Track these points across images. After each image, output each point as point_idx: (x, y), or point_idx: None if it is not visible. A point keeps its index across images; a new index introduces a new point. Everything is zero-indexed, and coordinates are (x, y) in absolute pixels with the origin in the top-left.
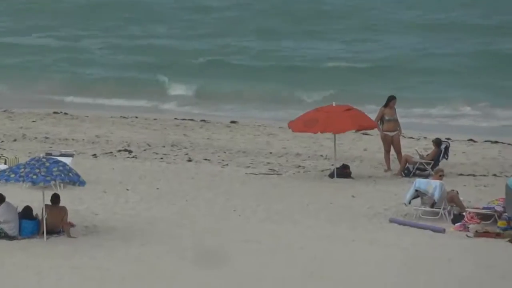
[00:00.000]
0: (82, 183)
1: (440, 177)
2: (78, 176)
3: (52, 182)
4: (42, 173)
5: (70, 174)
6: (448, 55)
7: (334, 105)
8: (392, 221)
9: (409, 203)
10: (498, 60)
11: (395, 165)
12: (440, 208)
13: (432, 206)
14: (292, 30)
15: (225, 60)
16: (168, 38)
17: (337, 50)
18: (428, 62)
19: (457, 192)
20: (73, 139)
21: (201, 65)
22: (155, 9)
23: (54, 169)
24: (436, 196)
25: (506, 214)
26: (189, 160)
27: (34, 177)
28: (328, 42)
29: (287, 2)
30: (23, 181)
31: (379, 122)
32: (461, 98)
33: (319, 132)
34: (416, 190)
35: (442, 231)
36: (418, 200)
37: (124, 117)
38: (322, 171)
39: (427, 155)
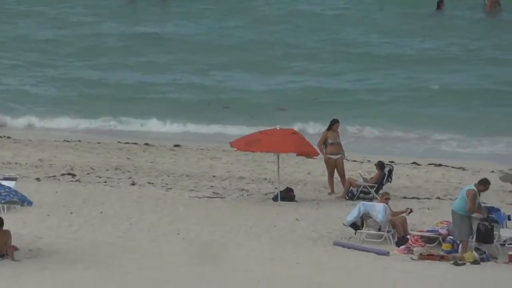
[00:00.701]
0: (30, 202)
1: (386, 200)
2: (25, 197)
3: None
4: None
5: (18, 194)
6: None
7: (278, 128)
8: (336, 244)
9: (352, 226)
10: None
11: (339, 188)
12: (384, 231)
13: (378, 229)
14: None
15: None
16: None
17: None
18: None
19: (410, 211)
20: (16, 163)
21: None
22: None
23: (1, 191)
24: (380, 219)
25: (450, 237)
26: (133, 184)
27: None
28: None
29: None
30: None
31: (322, 145)
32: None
33: (259, 152)
34: (360, 214)
35: (386, 253)
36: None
37: (67, 141)
38: (266, 194)
39: (371, 178)
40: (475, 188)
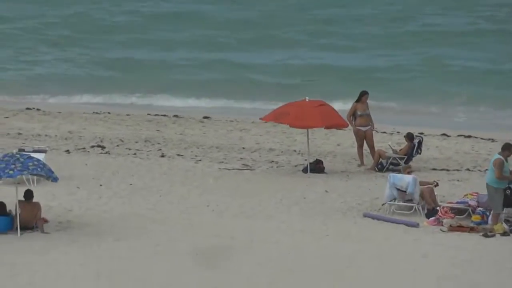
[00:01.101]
0: (55, 179)
1: (409, 173)
2: (52, 171)
3: (26, 177)
4: (18, 168)
5: (45, 168)
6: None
7: (307, 100)
8: (366, 215)
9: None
10: None
11: (369, 160)
12: (414, 203)
13: (409, 201)
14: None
15: None
16: None
17: None
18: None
19: (436, 185)
20: (46, 135)
21: None
22: None
23: (29, 164)
24: (410, 191)
25: (480, 208)
26: (162, 156)
27: (11, 172)
28: None
29: None
30: (0, 177)
31: (352, 117)
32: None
33: (287, 125)
34: (393, 187)
35: (416, 225)
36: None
37: (97, 113)
38: (296, 166)
39: (400, 149)
40: (500, 157)
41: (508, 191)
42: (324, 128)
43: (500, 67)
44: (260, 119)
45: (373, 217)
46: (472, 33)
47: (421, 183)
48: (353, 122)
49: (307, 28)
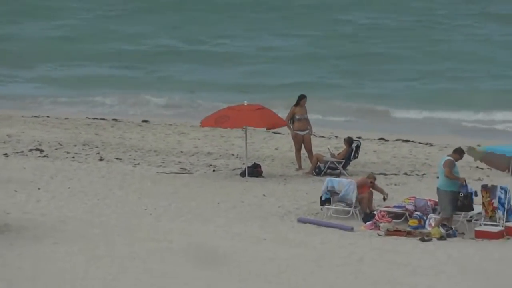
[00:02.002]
0: None
1: (371, 183)
2: None
3: None
4: None
5: None
6: None
7: (245, 104)
8: (300, 220)
9: (323, 202)
10: None
11: (306, 164)
12: (351, 207)
13: (347, 205)
14: None
15: None
16: None
17: None
18: None
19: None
20: None
21: None
22: None
23: None
24: (347, 195)
25: (417, 213)
26: (101, 159)
27: None
28: None
29: None
30: None
31: (289, 121)
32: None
33: (229, 128)
34: (329, 190)
35: (351, 229)
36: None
37: (36, 117)
38: (233, 170)
39: (339, 153)
40: (450, 158)
41: (461, 194)
42: (266, 129)
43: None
44: (201, 123)
45: (308, 222)
46: None
47: (376, 189)
48: (291, 126)
49: None
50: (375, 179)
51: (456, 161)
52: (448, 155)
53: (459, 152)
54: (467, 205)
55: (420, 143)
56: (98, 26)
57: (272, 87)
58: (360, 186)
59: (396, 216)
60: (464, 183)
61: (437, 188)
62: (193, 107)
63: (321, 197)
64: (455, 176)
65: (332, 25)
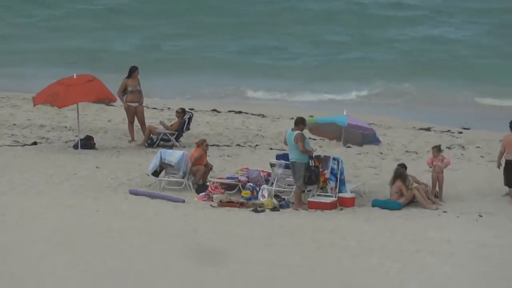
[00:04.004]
0: None
1: (204, 149)
2: None
3: None
4: None
5: None
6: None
7: (75, 76)
8: (132, 192)
9: (153, 173)
10: None
11: (139, 136)
12: (184, 178)
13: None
14: None
15: None
16: None
17: None
18: None
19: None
20: None
21: None
22: None
23: None
24: (179, 166)
25: (250, 184)
26: None
27: None
28: None
29: None
30: None
31: (122, 93)
32: None
33: (57, 108)
34: (161, 161)
35: (182, 201)
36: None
37: None
38: (66, 142)
39: (171, 125)
40: (299, 131)
41: (312, 166)
42: (95, 101)
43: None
44: (33, 100)
45: (139, 194)
46: None
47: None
48: (124, 98)
49: None
50: (207, 146)
51: (301, 131)
52: (293, 129)
53: (302, 122)
54: (315, 179)
55: (252, 114)
56: None
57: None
58: (197, 158)
59: (229, 187)
60: (312, 155)
61: (293, 162)
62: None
63: (153, 169)
64: (307, 149)
65: None
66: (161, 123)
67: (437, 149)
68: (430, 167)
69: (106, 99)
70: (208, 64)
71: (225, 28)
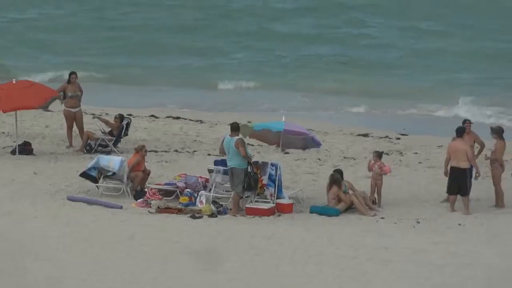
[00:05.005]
0: None
1: (142, 155)
2: None
3: None
4: None
5: None
6: None
7: (14, 82)
8: (70, 198)
9: (92, 180)
10: None
11: (78, 142)
12: (122, 185)
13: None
14: None
15: None
16: None
17: None
18: None
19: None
20: None
21: None
22: None
23: None
24: (117, 172)
25: (188, 190)
26: None
27: None
28: None
29: None
30: None
31: (62, 97)
32: None
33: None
34: (99, 167)
35: (120, 207)
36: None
37: None
38: (4, 148)
39: (110, 131)
40: (239, 137)
41: (251, 172)
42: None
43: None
44: None
45: (77, 200)
46: None
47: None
48: (63, 104)
49: None
50: (145, 151)
51: (239, 136)
52: (231, 135)
53: (237, 127)
54: (254, 185)
55: (190, 120)
56: None
57: None
58: (135, 164)
59: (167, 193)
60: (251, 162)
61: (233, 168)
62: None
63: (90, 175)
64: (248, 155)
65: None
66: (96, 117)
67: (377, 154)
68: (370, 171)
69: (52, 98)
70: None
71: None
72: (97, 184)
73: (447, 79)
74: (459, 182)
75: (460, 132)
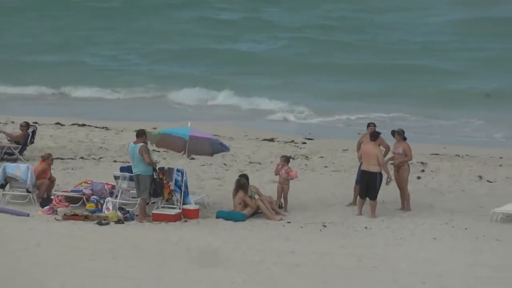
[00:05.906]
0: None
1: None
2: None
3: None
4: None
5: None
6: None
7: None
8: None
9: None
10: None
11: None
12: (29, 192)
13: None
14: None
15: None
16: None
17: None
18: None
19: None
20: None
21: None
22: None
23: None
24: (24, 179)
25: (94, 197)
26: None
27: None
28: None
29: None
30: None
31: None
32: None
33: None
34: (5, 175)
35: (27, 215)
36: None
37: None
38: None
39: (15, 136)
40: (143, 144)
41: (157, 178)
42: None
43: None
44: None
45: None
46: None
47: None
48: None
49: None
50: (52, 160)
51: (144, 143)
52: (135, 142)
53: (143, 134)
54: (159, 191)
55: (96, 127)
56: None
57: None
58: (41, 172)
59: (73, 200)
60: (156, 167)
61: (139, 175)
62: None
63: None
64: (153, 161)
65: None
66: (1, 132)
67: (285, 159)
68: (276, 175)
69: None
70: None
71: None
72: (3, 192)
73: None
74: (368, 185)
75: (374, 136)
